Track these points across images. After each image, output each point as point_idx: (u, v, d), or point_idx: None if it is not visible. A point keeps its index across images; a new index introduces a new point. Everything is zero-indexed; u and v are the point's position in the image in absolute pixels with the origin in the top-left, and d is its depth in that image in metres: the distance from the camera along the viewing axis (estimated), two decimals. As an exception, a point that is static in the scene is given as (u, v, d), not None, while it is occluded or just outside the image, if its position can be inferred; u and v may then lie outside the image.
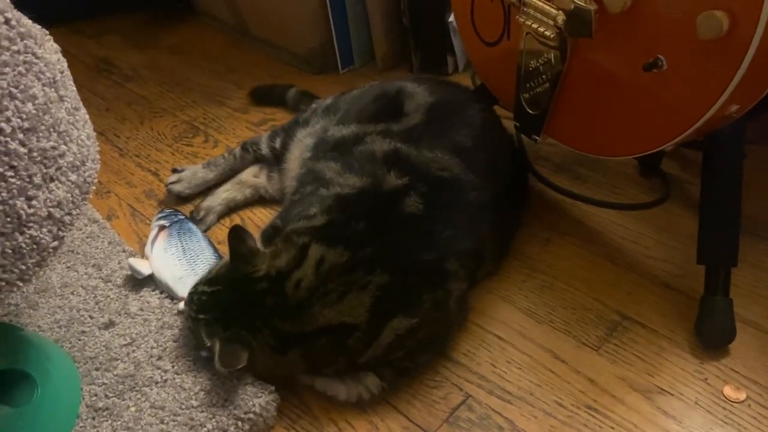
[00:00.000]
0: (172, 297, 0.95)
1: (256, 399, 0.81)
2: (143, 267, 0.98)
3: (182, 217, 1.08)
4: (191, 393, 0.83)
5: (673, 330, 0.87)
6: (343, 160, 0.92)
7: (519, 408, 0.80)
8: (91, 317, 0.94)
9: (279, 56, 1.57)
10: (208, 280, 0.85)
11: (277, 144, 1.14)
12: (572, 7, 0.81)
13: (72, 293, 0.98)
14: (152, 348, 0.89)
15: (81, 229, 1.10)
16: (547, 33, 0.86)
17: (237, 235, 0.82)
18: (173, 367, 0.86)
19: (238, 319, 0.79)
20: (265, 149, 1.16)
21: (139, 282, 0.98)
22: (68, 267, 1.03)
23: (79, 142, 0.71)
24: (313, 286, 0.78)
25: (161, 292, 0.97)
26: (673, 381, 0.81)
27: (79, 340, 0.91)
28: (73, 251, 1.06)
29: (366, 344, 0.79)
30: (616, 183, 1.10)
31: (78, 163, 0.69)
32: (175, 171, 1.20)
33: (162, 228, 1.04)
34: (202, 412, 0.80)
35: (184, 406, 0.81)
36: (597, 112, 0.89)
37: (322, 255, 0.80)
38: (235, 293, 0.82)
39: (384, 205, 0.86)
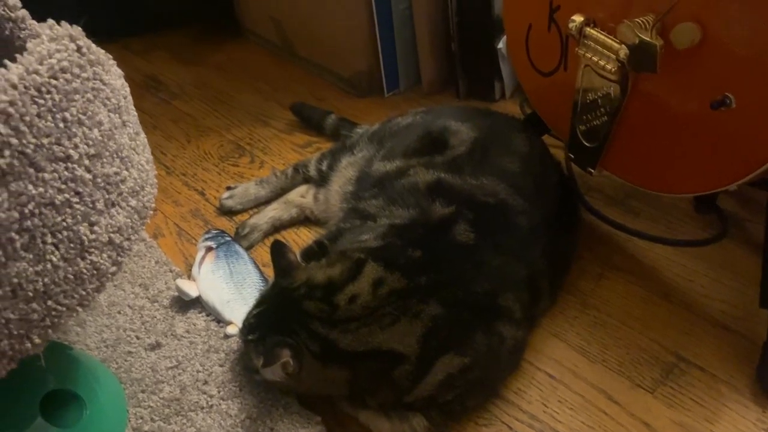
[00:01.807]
0: (219, 320, 0.95)
1: (302, 429, 0.80)
2: (190, 289, 0.98)
3: (228, 238, 1.08)
4: (237, 420, 0.82)
5: (733, 375, 0.84)
6: (385, 195, 0.92)
7: (571, 450, 0.78)
8: (138, 338, 0.94)
9: (324, 77, 1.57)
10: (257, 303, 0.84)
11: (324, 166, 1.15)
12: (637, 41, 0.79)
13: (119, 312, 0.98)
14: (198, 372, 0.89)
15: (128, 248, 1.11)
16: (608, 66, 0.84)
17: (278, 249, 0.84)
18: (219, 392, 0.86)
19: (279, 327, 0.79)
20: (313, 171, 1.17)
21: (185, 303, 0.98)
22: (115, 286, 1.03)
23: (139, 167, 0.72)
24: (370, 305, 0.76)
25: (208, 314, 0.96)
26: (733, 429, 0.78)
27: (126, 360, 0.91)
28: (119, 273, 1.06)
29: (414, 380, 0.77)
30: (671, 218, 1.07)
31: (138, 188, 0.70)
32: (228, 188, 1.22)
33: (209, 249, 1.04)
34: (248, 440, 0.79)
35: (230, 434, 0.80)
36: (657, 147, 0.87)
37: (381, 276, 0.78)
38: (278, 308, 0.81)
39: (435, 235, 0.85)
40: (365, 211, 0.93)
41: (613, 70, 0.84)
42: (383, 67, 1.43)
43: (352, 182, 1.04)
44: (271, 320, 0.81)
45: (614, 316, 0.93)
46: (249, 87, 1.59)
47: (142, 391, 0.87)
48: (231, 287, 0.97)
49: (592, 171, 0.95)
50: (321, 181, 1.15)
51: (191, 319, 0.96)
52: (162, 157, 1.38)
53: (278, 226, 1.16)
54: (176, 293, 0.99)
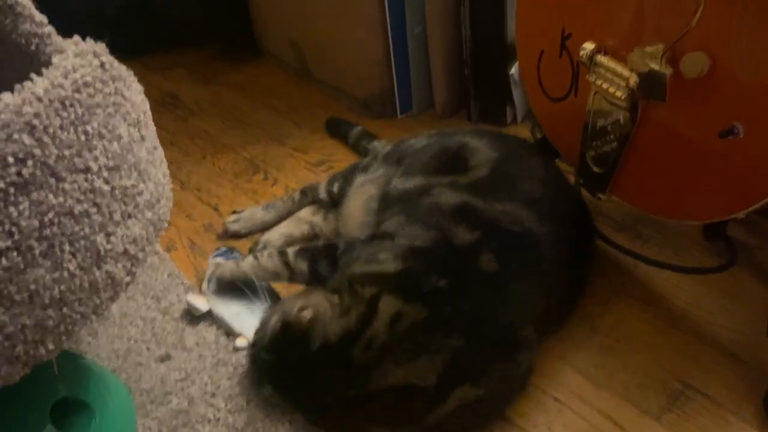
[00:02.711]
0: (229, 333, 0.96)
1: (308, 445, 0.80)
2: (201, 303, 0.99)
3: (238, 255, 1.09)
4: (243, 434, 0.83)
5: (739, 404, 0.83)
6: (406, 213, 0.92)
7: (575, 475, 0.78)
8: (148, 349, 0.95)
9: (339, 98, 1.59)
10: (267, 346, 0.82)
11: (335, 189, 1.16)
12: (646, 69, 0.81)
13: (131, 323, 1.00)
14: (206, 384, 0.90)
15: (142, 260, 1.12)
16: (618, 93, 0.86)
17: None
18: (226, 405, 0.86)
19: (301, 400, 0.80)
20: (322, 194, 1.18)
21: (195, 316, 1.00)
22: (128, 297, 1.05)
23: (156, 180, 0.73)
24: (386, 345, 0.76)
25: (218, 328, 0.98)
26: (739, 458, 0.78)
27: (136, 371, 0.92)
28: (133, 282, 1.08)
29: (428, 410, 0.78)
30: (679, 244, 1.07)
31: (154, 201, 0.71)
32: (234, 212, 1.23)
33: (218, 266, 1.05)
34: (253, 454, 0.80)
35: (235, 447, 0.81)
36: (666, 174, 0.87)
37: (398, 310, 0.78)
38: (293, 368, 0.80)
39: (460, 262, 0.84)
40: (386, 228, 0.92)
41: (623, 97, 0.85)
42: (397, 89, 1.45)
43: (375, 199, 1.03)
44: (288, 383, 0.81)
45: (622, 342, 0.93)
46: (265, 106, 1.62)
47: (151, 402, 0.88)
48: (240, 300, 0.98)
49: (601, 196, 0.95)
50: (331, 203, 1.16)
51: (201, 332, 0.97)
52: (177, 172, 1.40)
53: (290, 242, 1.17)
54: (187, 306, 1.01)
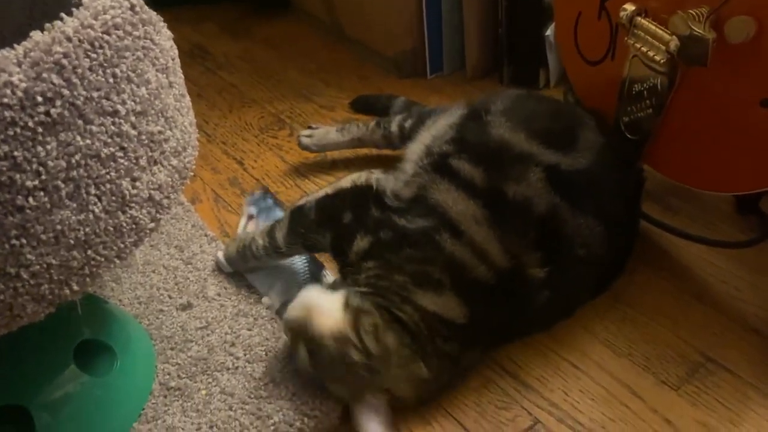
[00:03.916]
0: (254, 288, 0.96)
1: (323, 399, 0.81)
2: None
3: (271, 201, 1.08)
4: (261, 383, 0.84)
5: (761, 379, 0.82)
6: (488, 203, 0.79)
7: (590, 441, 0.78)
8: (170, 297, 0.96)
9: (368, 58, 1.57)
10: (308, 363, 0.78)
11: (408, 124, 1.09)
12: (688, 33, 0.78)
13: (153, 272, 1.01)
14: (226, 334, 0.90)
15: (167, 210, 1.13)
16: (657, 57, 0.83)
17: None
18: (245, 355, 0.87)
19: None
20: (394, 127, 1.13)
21: (218, 267, 1.00)
22: (152, 246, 1.06)
23: (183, 128, 0.73)
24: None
25: (240, 279, 0.98)
26: (757, 433, 0.77)
27: (157, 318, 0.94)
28: (157, 231, 1.08)
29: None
30: (710, 218, 1.05)
31: (180, 149, 0.71)
32: (310, 127, 1.23)
33: (250, 218, 1.05)
34: (270, 403, 0.81)
35: (253, 396, 0.82)
36: (703, 143, 0.85)
37: (458, 355, 0.80)
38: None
39: (519, 304, 0.81)
40: (445, 203, 0.80)
41: (662, 61, 0.82)
42: (428, 48, 1.43)
43: (452, 124, 0.91)
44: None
45: (644, 313, 0.92)
46: (294, 63, 1.60)
47: (171, 349, 0.89)
48: None
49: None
50: (400, 138, 1.10)
51: (223, 282, 0.98)
52: (204, 125, 1.41)
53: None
54: (211, 258, 1.01)
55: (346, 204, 0.86)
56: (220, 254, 0.99)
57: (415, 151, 0.92)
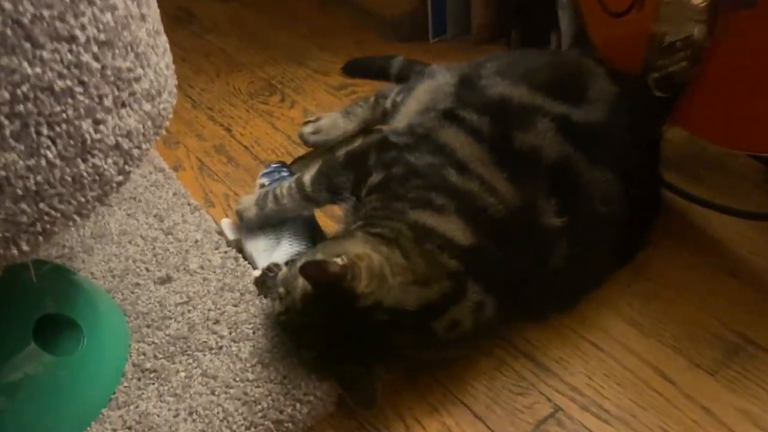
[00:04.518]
0: (253, 267, 0.87)
1: (319, 381, 0.72)
2: (229, 231, 0.92)
3: (286, 173, 0.97)
4: (247, 365, 0.74)
5: (807, 363, 0.74)
6: (496, 149, 0.75)
7: (617, 430, 0.69)
8: (148, 270, 0.87)
9: (365, 22, 1.47)
10: (299, 310, 0.69)
11: (400, 98, 1.01)
12: (734, -29, 0.69)
13: (130, 242, 0.91)
14: (209, 310, 0.81)
15: (145, 177, 1.04)
16: (696, 2, 0.74)
17: (312, 269, 0.66)
18: (230, 333, 0.78)
19: (355, 357, 0.69)
20: (389, 103, 1.05)
21: (200, 237, 0.91)
22: (128, 214, 0.96)
23: (158, 69, 0.63)
24: (467, 336, 0.71)
25: (225, 251, 0.89)
26: (805, 423, 0.69)
27: (133, 292, 0.84)
28: (135, 198, 0.99)
29: None
30: (739, 188, 0.96)
31: (154, 93, 0.61)
32: (309, 122, 1.10)
33: (262, 188, 0.94)
34: (258, 387, 0.72)
35: (238, 378, 0.73)
36: (743, 98, 0.76)
37: (481, 300, 0.70)
38: (346, 332, 0.68)
39: (536, 252, 0.73)
40: (452, 144, 0.76)
41: (702, 6, 0.73)
42: (430, 9, 1.33)
43: (448, 84, 0.88)
44: (337, 345, 0.69)
45: (670, 289, 0.83)
46: (286, 27, 1.51)
47: (147, 326, 0.80)
48: (270, 234, 0.88)
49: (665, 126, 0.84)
50: (393, 112, 1.03)
51: (206, 254, 0.89)
52: (189, 90, 1.31)
53: None
54: (193, 227, 0.92)
55: (371, 148, 0.82)
56: (226, 221, 0.92)
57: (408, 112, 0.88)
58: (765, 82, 0.73)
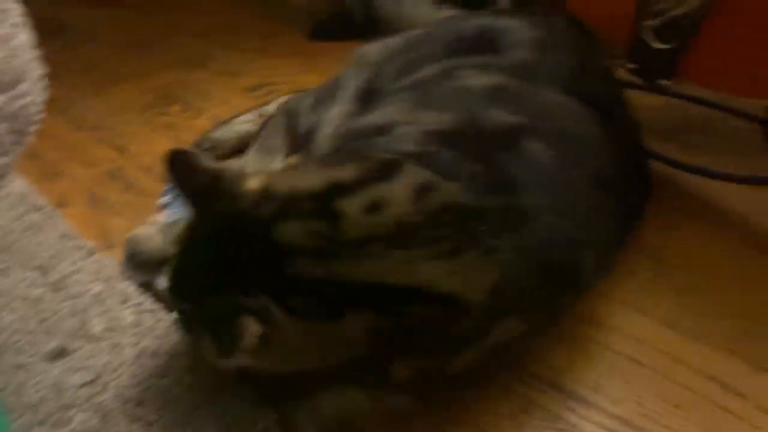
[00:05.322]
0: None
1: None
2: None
3: None
4: (192, 460, 0.53)
5: None
6: (415, 99, 0.65)
7: (690, 468, 0.54)
8: (33, 343, 0.64)
9: (271, 13, 1.29)
10: (179, 252, 0.54)
11: (314, 120, 0.83)
12: None
13: (4, 308, 0.68)
14: (126, 388, 0.59)
15: (18, 219, 0.80)
16: None
17: (181, 159, 0.53)
18: (161, 417, 0.57)
19: (229, 283, 0.49)
20: (303, 129, 0.84)
21: (103, 290, 0.69)
22: (-1, 270, 0.72)
23: (12, 51, 0.42)
24: (411, 221, 0.49)
25: (138, 304, 0.67)
26: None
27: (14, 377, 0.61)
28: (6, 249, 0.75)
29: (467, 341, 0.53)
30: (738, 152, 0.85)
31: (7, 80, 0.40)
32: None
33: (164, 207, 0.75)
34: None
35: (181, 482, 0.52)
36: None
37: (427, 181, 0.51)
38: (222, 247, 0.50)
39: (497, 147, 0.58)
40: (375, 123, 0.65)
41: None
42: (350, -11, 1.16)
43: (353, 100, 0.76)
44: (210, 273, 0.50)
45: (700, 276, 0.70)
46: (178, 28, 1.31)
47: (41, 424, 0.57)
48: None
49: (666, 83, 0.70)
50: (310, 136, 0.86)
51: (112, 311, 0.67)
52: (68, 110, 1.09)
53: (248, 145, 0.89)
54: (90, 277, 0.70)
55: None
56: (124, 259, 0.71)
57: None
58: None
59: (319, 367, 0.51)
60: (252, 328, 0.46)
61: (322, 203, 0.49)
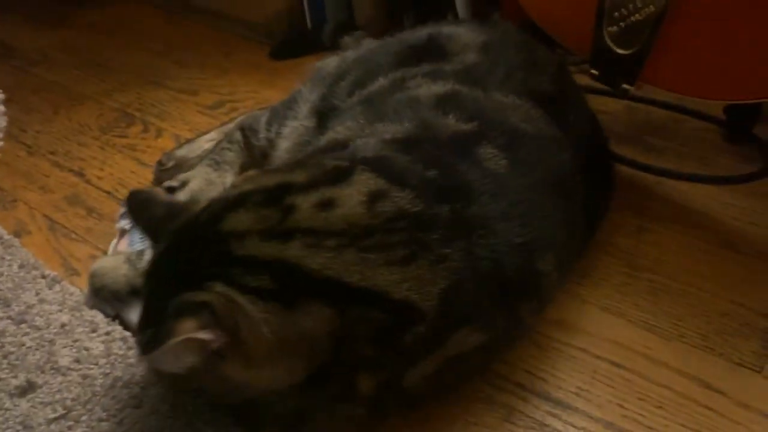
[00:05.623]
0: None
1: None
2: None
3: None
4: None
5: None
6: (368, 114, 0.65)
7: (679, 468, 0.54)
8: (-3, 379, 0.61)
9: (230, 28, 1.27)
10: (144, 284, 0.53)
11: (273, 133, 0.85)
12: None
13: (-36, 344, 0.64)
14: (99, 421, 0.57)
15: (-26, 250, 0.76)
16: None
17: (140, 199, 0.56)
18: (137, 450, 0.54)
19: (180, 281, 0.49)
20: (262, 141, 0.86)
21: (70, 320, 0.66)
22: (-44, 305, 0.69)
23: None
24: (361, 223, 0.49)
25: (107, 333, 0.65)
26: None
27: (-22, 416, 0.58)
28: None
29: (424, 351, 0.52)
30: (700, 153, 0.87)
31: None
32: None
33: (123, 233, 0.72)
34: None
35: None
36: (728, 44, 0.65)
37: (382, 189, 0.51)
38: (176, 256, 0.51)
39: (452, 154, 0.58)
40: (331, 139, 0.65)
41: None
42: (307, 3, 1.15)
43: (311, 120, 0.76)
44: (170, 289, 0.49)
45: (674, 277, 0.70)
46: (134, 47, 1.28)
47: (8, 465, 0.54)
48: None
49: (629, 88, 0.71)
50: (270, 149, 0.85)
51: (81, 342, 0.64)
52: (21, 135, 1.05)
53: None
54: (55, 307, 0.67)
55: None
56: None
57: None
58: (749, 21, 0.62)
59: (292, 382, 0.50)
60: (186, 325, 0.44)
61: (273, 196, 0.50)
